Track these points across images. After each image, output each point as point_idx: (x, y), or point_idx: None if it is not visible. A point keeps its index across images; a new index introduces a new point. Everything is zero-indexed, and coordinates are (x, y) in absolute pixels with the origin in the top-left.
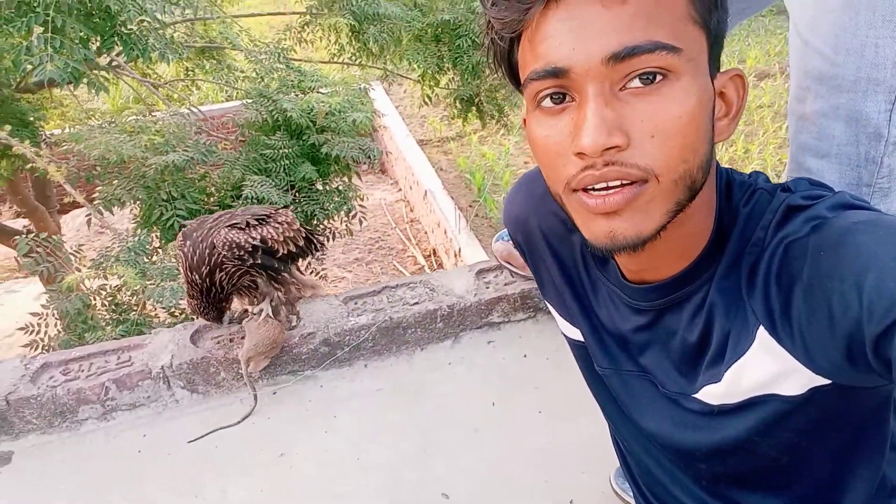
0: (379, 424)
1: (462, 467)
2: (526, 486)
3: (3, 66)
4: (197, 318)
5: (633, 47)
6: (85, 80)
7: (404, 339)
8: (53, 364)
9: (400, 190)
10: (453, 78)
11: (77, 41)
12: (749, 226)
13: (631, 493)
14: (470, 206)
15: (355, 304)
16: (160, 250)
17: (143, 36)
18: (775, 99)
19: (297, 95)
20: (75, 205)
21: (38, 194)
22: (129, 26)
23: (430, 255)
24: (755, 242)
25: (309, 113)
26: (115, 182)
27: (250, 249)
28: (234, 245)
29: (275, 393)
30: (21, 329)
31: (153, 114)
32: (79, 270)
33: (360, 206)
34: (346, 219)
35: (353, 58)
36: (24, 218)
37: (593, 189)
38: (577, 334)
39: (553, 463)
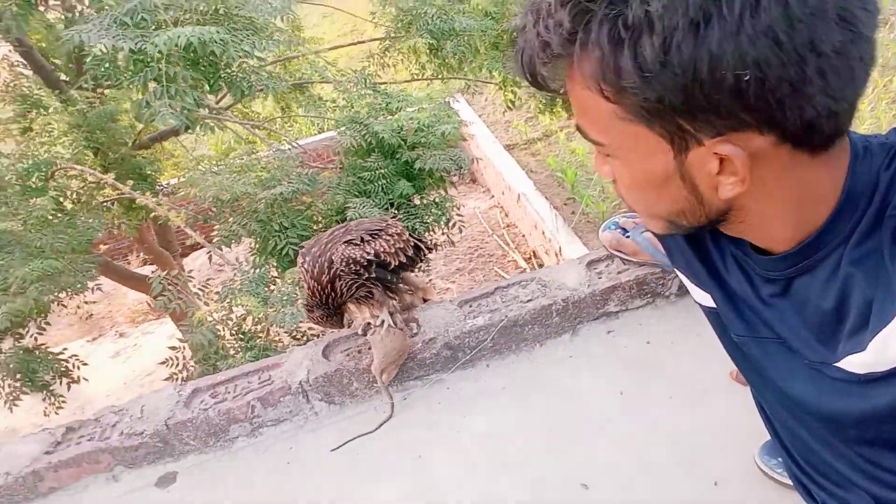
0: (508, 421)
1: (598, 457)
2: (666, 470)
3: (120, 126)
4: (321, 326)
5: (577, 127)
6: (198, 126)
7: (522, 336)
8: (203, 389)
9: (493, 197)
10: None
11: (187, 88)
12: (893, 189)
13: (778, 471)
14: (565, 203)
15: (470, 307)
16: (278, 279)
17: (245, 76)
18: (880, 52)
19: (386, 117)
20: (195, 247)
21: (161, 240)
22: (231, 68)
23: (530, 258)
24: None
25: (399, 132)
26: (231, 220)
27: (365, 264)
28: (350, 261)
29: (405, 399)
30: (162, 363)
31: (255, 153)
32: (206, 305)
33: (458, 215)
34: (445, 229)
35: (435, 74)
36: (150, 264)
37: None
38: (708, 300)
39: (692, 446)
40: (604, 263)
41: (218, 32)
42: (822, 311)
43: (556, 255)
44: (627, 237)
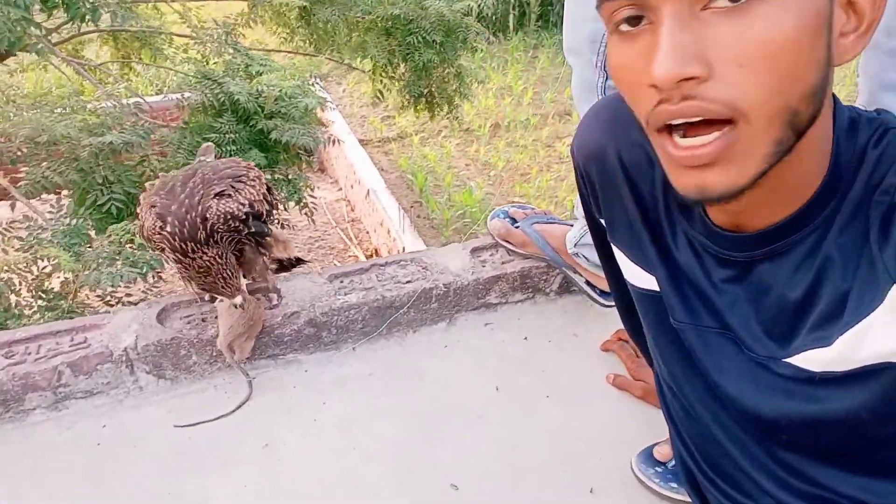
0: (374, 411)
1: (470, 456)
2: (541, 474)
3: None
4: (232, 296)
5: None
6: (22, 48)
7: (396, 320)
8: None
9: (340, 189)
10: (404, 74)
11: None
12: (879, 169)
13: (656, 480)
14: (412, 206)
15: (341, 282)
16: (94, 239)
17: None
18: None
19: (244, 80)
20: None
21: None
22: None
23: (371, 255)
24: (886, 189)
25: (257, 98)
26: (45, 164)
27: (244, 218)
28: (228, 216)
29: (255, 378)
30: None
31: (83, 98)
32: (4, 252)
33: (311, 196)
34: (296, 209)
35: (305, 43)
36: None
37: (678, 132)
38: (649, 283)
39: (568, 449)
40: (488, 252)
41: None
42: (784, 301)
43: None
44: (517, 228)
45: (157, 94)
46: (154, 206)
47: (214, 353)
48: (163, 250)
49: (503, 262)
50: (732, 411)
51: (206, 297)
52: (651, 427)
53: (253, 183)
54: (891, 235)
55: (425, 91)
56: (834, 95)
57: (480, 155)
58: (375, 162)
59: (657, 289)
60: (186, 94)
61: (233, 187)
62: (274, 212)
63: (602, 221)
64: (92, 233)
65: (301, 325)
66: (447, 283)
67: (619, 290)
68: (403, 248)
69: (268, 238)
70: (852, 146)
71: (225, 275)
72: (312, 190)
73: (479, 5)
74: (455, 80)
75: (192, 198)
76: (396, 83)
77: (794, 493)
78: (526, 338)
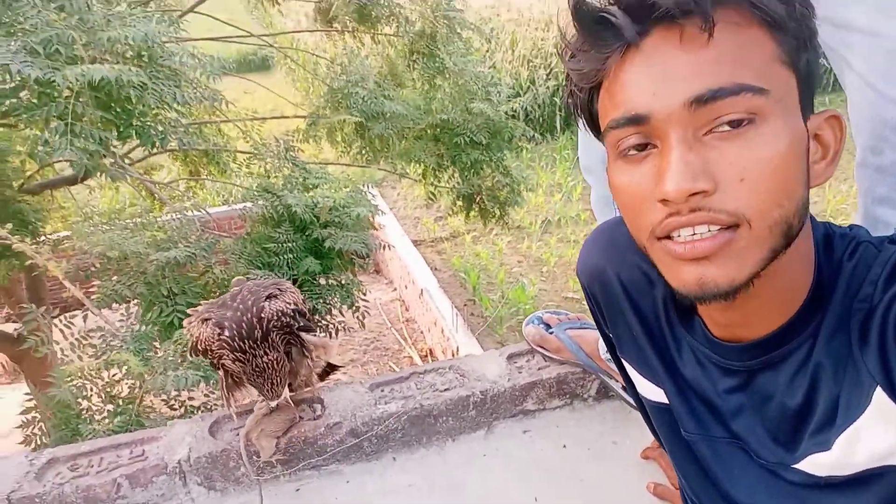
0: None
1: None
2: None
3: (8, 167)
4: (272, 398)
5: (717, 90)
6: (98, 173)
7: (435, 428)
8: (61, 459)
9: (395, 290)
10: (453, 175)
11: (94, 129)
12: (855, 280)
13: None
14: (465, 305)
15: (382, 391)
16: (159, 349)
17: (160, 126)
18: None
19: (301, 192)
20: (69, 308)
21: (32, 296)
22: (147, 117)
23: (426, 356)
24: (863, 298)
25: (313, 208)
26: (115, 278)
27: (292, 314)
28: (280, 314)
29: (298, 490)
30: (20, 427)
31: (153, 213)
32: (79, 359)
33: (363, 300)
34: (347, 314)
35: (360, 155)
36: (15, 322)
37: (679, 236)
38: (658, 395)
39: None
40: (524, 358)
41: (137, 74)
42: (785, 409)
43: (453, 354)
44: (551, 333)
45: (223, 204)
46: (209, 319)
47: (262, 465)
48: (220, 358)
49: (539, 368)
50: None
51: (234, 410)
52: None
53: (293, 291)
54: (870, 340)
55: (475, 196)
56: (812, 217)
57: (532, 251)
58: (429, 262)
59: (667, 401)
60: (248, 205)
61: (279, 290)
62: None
63: (611, 336)
64: (157, 342)
65: (343, 436)
66: (484, 389)
67: (640, 402)
68: (457, 348)
69: (309, 338)
70: (830, 259)
71: (275, 380)
72: (364, 294)
73: (523, 108)
74: (506, 186)
75: (245, 303)
76: (446, 186)
77: None
78: (565, 446)
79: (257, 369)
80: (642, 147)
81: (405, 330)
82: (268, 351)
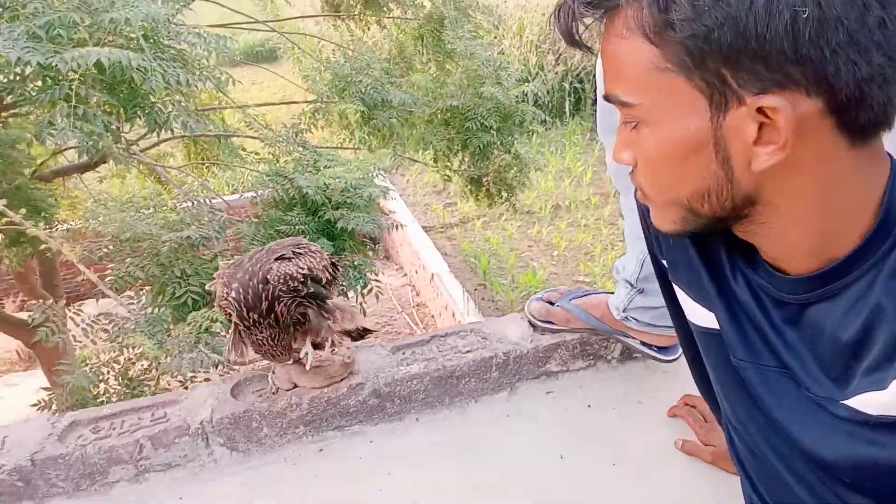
0: (438, 481)
1: None
2: None
3: (20, 154)
4: (272, 363)
5: (604, 95)
6: (107, 159)
7: (458, 389)
8: (83, 422)
9: (405, 275)
10: (463, 159)
11: (99, 112)
12: None
13: None
14: (476, 289)
15: (403, 353)
16: (174, 331)
17: (165, 107)
18: None
19: (312, 174)
20: (83, 295)
21: (45, 283)
22: (152, 99)
23: None
24: None
25: (325, 190)
26: (129, 261)
27: (302, 280)
28: (287, 277)
29: (321, 450)
30: (34, 405)
31: (164, 198)
32: (93, 343)
33: (375, 280)
34: (362, 294)
35: (364, 142)
36: (29, 310)
37: None
38: (709, 321)
39: None
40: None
41: (142, 59)
42: (837, 343)
43: None
44: (556, 307)
45: (232, 193)
46: (222, 276)
47: (284, 425)
48: (230, 316)
49: (562, 330)
50: (796, 451)
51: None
52: (722, 492)
53: (313, 253)
54: None
55: (484, 179)
56: (891, 155)
57: (542, 236)
58: (439, 247)
59: (717, 327)
60: (259, 192)
61: (294, 253)
62: (335, 282)
63: (664, 262)
64: (171, 324)
65: (366, 396)
66: (507, 351)
67: (685, 335)
68: None
69: (328, 302)
70: None
71: (275, 353)
72: (377, 275)
73: (534, 93)
74: (514, 167)
75: (256, 265)
76: (457, 170)
77: None
78: (589, 406)
79: (255, 343)
80: None
81: (416, 314)
82: (265, 329)
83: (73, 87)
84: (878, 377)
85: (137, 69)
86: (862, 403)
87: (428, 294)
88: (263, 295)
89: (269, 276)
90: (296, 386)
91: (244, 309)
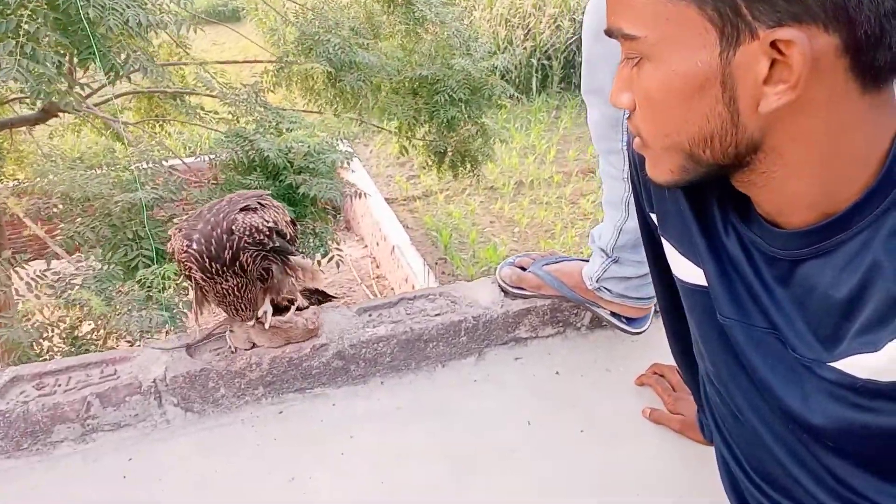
0: (403, 445)
1: (503, 491)
2: None
3: None
4: (234, 318)
5: (606, 30)
6: (62, 109)
7: (425, 353)
8: (25, 378)
9: (366, 247)
10: (429, 131)
11: (50, 52)
12: None
13: None
14: (436, 263)
15: (370, 315)
16: (123, 289)
17: (122, 50)
18: None
19: (273, 137)
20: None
21: None
22: (109, 41)
23: None
24: None
25: (286, 153)
26: (79, 220)
27: (267, 233)
28: (253, 229)
29: (281, 412)
30: None
31: (118, 155)
32: (37, 297)
33: (337, 248)
34: (319, 262)
35: (329, 104)
36: None
37: None
38: (696, 277)
39: (606, 485)
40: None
41: None
42: (829, 302)
43: None
44: (528, 273)
45: (190, 155)
46: (181, 230)
47: (243, 386)
48: (189, 270)
49: (533, 296)
50: (779, 413)
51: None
52: (690, 460)
53: (276, 208)
54: None
55: (449, 150)
56: None
57: (505, 212)
58: (401, 219)
59: (705, 283)
60: (218, 153)
61: (259, 204)
62: (296, 241)
63: (653, 216)
64: (121, 283)
65: (329, 358)
66: (476, 315)
67: (667, 297)
68: None
69: (293, 258)
70: None
71: (239, 306)
72: (339, 243)
73: (500, 68)
74: (479, 138)
75: (218, 216)
76: (421, 142)
77: (846, 502)
78: (558, 373)
79: (219, 294)
80: None
81: (375, 286)
82: (230, 277)
83: (21, 23)
84: (870, 339)
85: (94, 5)
86: (850, 366)
87: (388, 266)
88: (228, 245)
89: (233, 227)
90: (254, 346)
91: (206, 260)
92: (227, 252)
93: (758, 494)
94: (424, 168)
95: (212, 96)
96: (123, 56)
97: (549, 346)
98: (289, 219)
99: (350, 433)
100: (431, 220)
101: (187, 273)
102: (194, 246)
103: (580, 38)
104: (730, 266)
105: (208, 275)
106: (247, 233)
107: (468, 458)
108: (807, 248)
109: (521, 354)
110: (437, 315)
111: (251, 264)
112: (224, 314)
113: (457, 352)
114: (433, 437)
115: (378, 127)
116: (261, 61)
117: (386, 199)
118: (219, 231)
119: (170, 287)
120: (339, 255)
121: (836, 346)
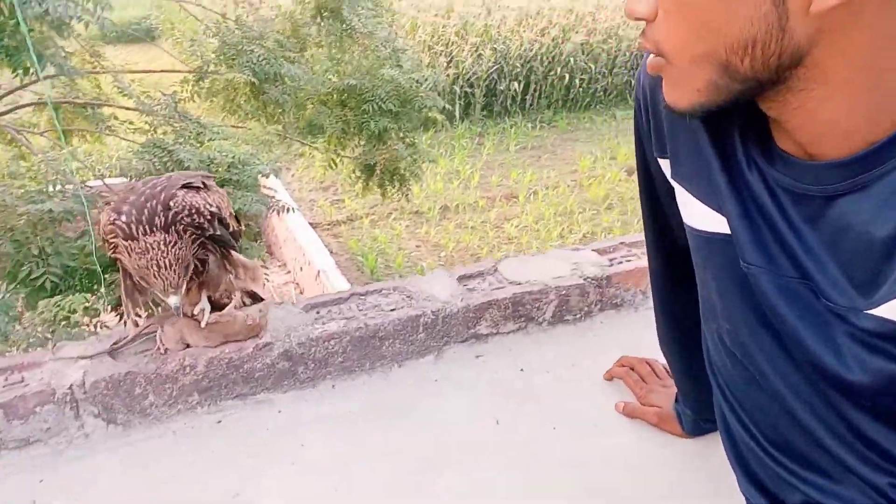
0: (359, 451)
1: (475, 491)
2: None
3: None
4: (166, 292)
5: None
6: None
7: (380, 352)
8: None
9: (289, 272)
10: (358, 143)
11: None
12: None
13: None
14: None
15: (318, 312)
16: (23, 317)
17: (36, 45)
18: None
19: (195, 147)
20: None
21: None
22: (18, 35)
23: None
24: None
25: (208, 164)
26: None
27: (209, 217)
28: (193, 210)
29: (219, 422)
30: None
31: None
32: None
33: (263, 266)
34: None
35: (253, 117)
36: None
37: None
38: (714, 225)
39: (583, 481)
40: (476, 280)
41: None
42: (868, 241)
43: None
44: None
45: (98, 178)
46: (110, 203)
47: (175, 392)
48: (115, 248)
49: (493, 289)
50: (808, 370)
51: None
52: (669, 453)
53: (222, 195)
54: None
55: (378, 166)
56: None
57: (431, 236)
58: (325, 244)
59: (726, 231)
60: (134, 166)
61: (203, 185)
62: (240, 236)
63: (662, 163)
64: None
65: (275, 359)
66: (435, 310)
67: (664, 262)
68: None
69: (234, 253)
70: None
71: (160, 262)
72: (265, 261)
73: (434, 81)
74: (408, 155)
75: (155, 189)
76: (349, 157)
77: (883, 472)
78: (522, 369)
79: (140, 251)
80: None
81: None
82: (158, 232)
83: None
84: None
85: None
86: (892, 311)
87: (313, 291)
88: (162, 216)
89: (171, 203)
90: (188, 346)
91: (130, 226)
92: (158, 220)
93: (773, 465)
94: (352, 181)
95: (127, 108)
96: (37, 51)
97: (510, 342)
98: (233, 210)
99: (300, 441)
100: (357, 244)
101: (112, 250)
102: (122, 218)
103: (501, 66)
104: (753, 206)
105: (129, 239)
106: (186, 211)
107: (433, 460)
108: (843, 182)
109: (482, 352)
110: (392, 310)
111: (186, 237)
112: (146, 283)
113: (414, 350)
114: (392, 442)
115: (302, 142)
116: (180, 71)
117: (310, 224)
118: (153, 203)
119: (79, 319)
120: (266, 276)
121: (875, 291)
